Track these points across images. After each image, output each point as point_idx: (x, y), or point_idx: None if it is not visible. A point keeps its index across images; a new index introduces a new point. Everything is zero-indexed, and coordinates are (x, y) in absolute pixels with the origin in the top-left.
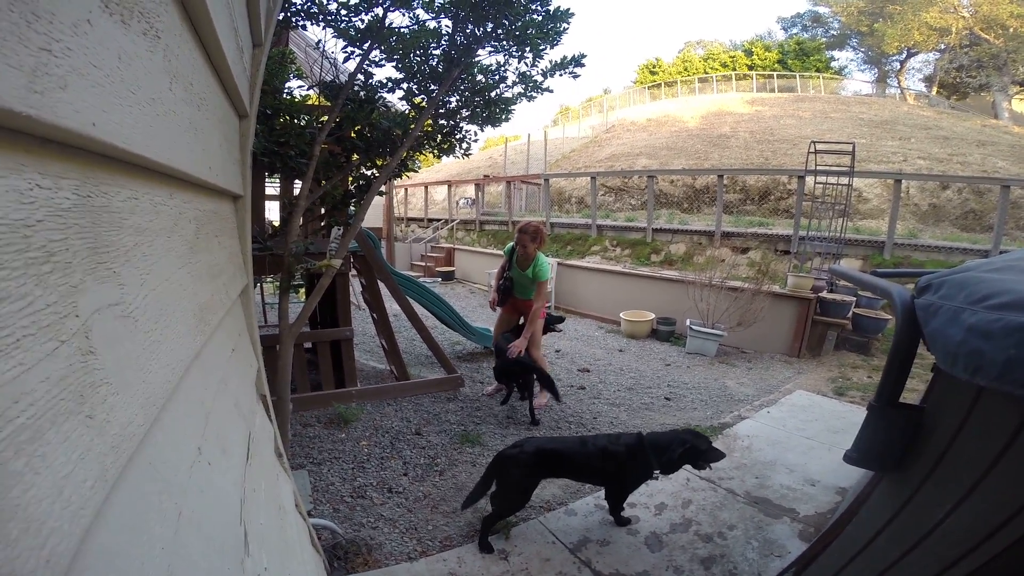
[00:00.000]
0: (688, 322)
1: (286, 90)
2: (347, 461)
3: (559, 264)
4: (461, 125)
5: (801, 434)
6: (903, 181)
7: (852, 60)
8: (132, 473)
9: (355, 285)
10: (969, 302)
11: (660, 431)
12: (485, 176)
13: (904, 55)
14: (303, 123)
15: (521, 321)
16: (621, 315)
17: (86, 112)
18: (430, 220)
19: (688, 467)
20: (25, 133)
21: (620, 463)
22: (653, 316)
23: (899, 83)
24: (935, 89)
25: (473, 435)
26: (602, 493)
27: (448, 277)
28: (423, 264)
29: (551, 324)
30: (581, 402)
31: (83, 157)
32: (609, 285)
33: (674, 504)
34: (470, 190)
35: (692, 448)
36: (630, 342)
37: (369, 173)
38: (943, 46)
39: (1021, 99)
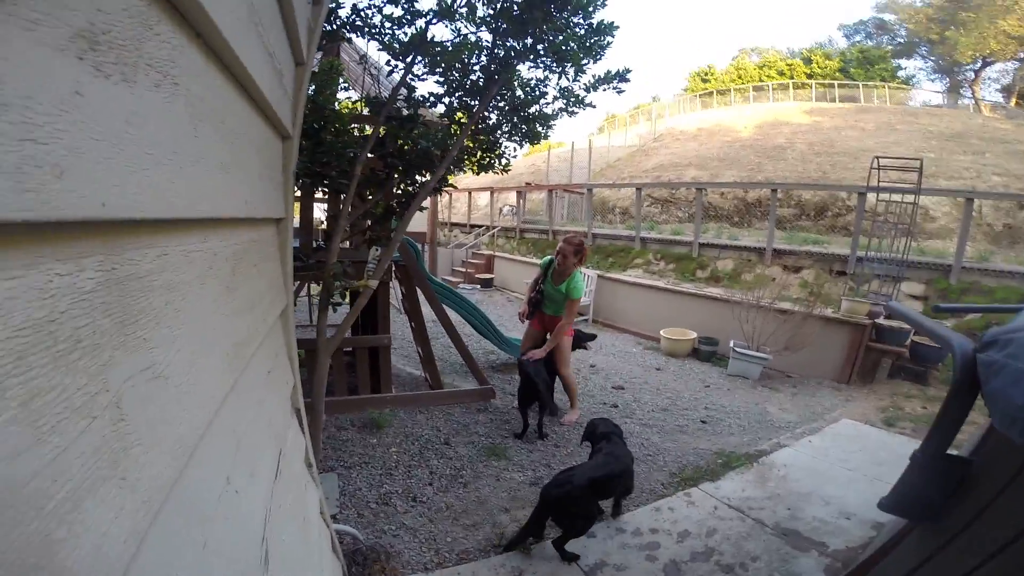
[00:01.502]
0: (732, 343)
1: (335, 103)
2: (376, 467)
3: (599, 277)
4: (500, 141)
5: (843, 465)
6: (975, 200)
7: (921, 69)
8: (162, 517)
9: (396, 288)
10: None
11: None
12: (527, 183)
13: (979, 64)
14: (348, 138)
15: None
16: (661, 332)
17: (93, 194)
18: (473, 226)
19: (717, 496)
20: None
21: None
22: (695, 335)
23: (973, 93)
24: (1014, 100)
25: (499, 449)
26: (624, 516)
27: (487, 284)
28: (463, 270)
29: (582, 341)
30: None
31: (104, 228)
32: (650, 300)
33: (698, 532)
34: (512, 197)
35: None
36: (669, 360)
37: (410, 189)
38: (1023, 55)
39: None
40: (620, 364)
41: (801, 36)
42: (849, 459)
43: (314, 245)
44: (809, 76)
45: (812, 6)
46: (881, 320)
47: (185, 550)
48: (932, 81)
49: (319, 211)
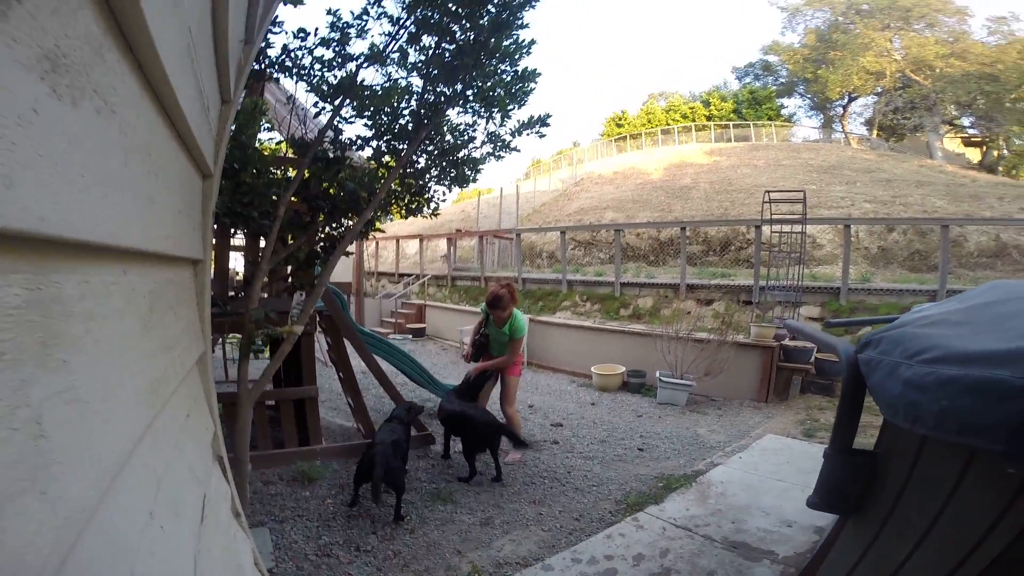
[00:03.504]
0: (658, 374)
1: (257, 142)
2: (311, 519)
3: (531, 320)
4: (429, 185)
5: (774, 477)
6: (852, 226)
7: (800, 107)
8: (86, 539)
9: (321, 342)
10: (904, 357)
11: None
12: (457, 230)
13: (846, 100)
14: (271, 179)
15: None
16: (592, 369)
17: (34, 208)
18: (401, 275)
19: (663, 517)
20: None
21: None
22: (623, 369)
23: (843, 127)
24: (875, 132)
25: (445, 493)
26: (578, 547)
27: (419, 334)
28: (393, 320)
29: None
30: (555, 456)
31: (34, 246)
32: (580, 340)
33: (651, 554)
34: (442, 244)
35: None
36: (602, 395)
37: (335, 233)
38: (880, 89)
39: (951, 137)
40: (556, 402)
41: (701, 79)
42: (778, 471)
43: (231, 294)
44: (708, 118)
45: (709, 50)
46: (787, 342)
47: (112, 574)
48: (809, 117)
49: (235, 261)
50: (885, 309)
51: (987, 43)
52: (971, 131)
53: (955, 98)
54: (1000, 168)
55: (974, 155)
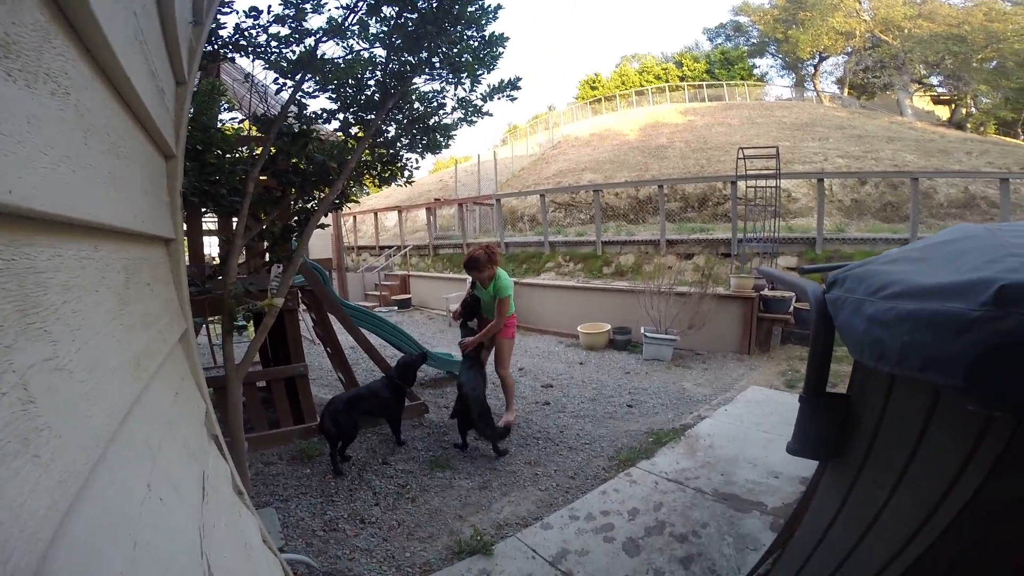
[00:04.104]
0: (643, 330)
1: (218, 123)
2: (315, 496)
3: (515, 284)
4: (401, 153)
5: (759, 428)
6: (825, 180)
7: (772, 67)
8: (84, 506)
9: (307, 320)
10: (867, 293)
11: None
12: (436, 199)
13: (817, 59)
14: (236, 157)
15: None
16: (579, 328)
17: (2, 180)
18: (382, 247)
19: (655, 472)
20: None
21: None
22: (609, 327)
23: (815, 86)
24: (846, 90)
25: (442, 460)
26: (574, 504)
27: (404, 305)
28: (378, 293)
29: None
30: (547, 417)
31: (4, 220)
32: (565, 300)
33: (646, 508)
34: (422, 214)
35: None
36: (590, 354)
37: (308, 206)
38: (850, 49)
39: (920, 96)
40: (545, 363)
41: (673, 41)
42: (763, 422)
43: (208, 275)
44: (682, 79)
45: (680, 12)
46: (766, 292)
47: (114, 543)
48: (781, 77)
49: (209, 247)
50: (860, 256)
51: (954, 4)
52: (940, 90)
53: (923, 58)
54: (968, 125)
55: (943, 112)
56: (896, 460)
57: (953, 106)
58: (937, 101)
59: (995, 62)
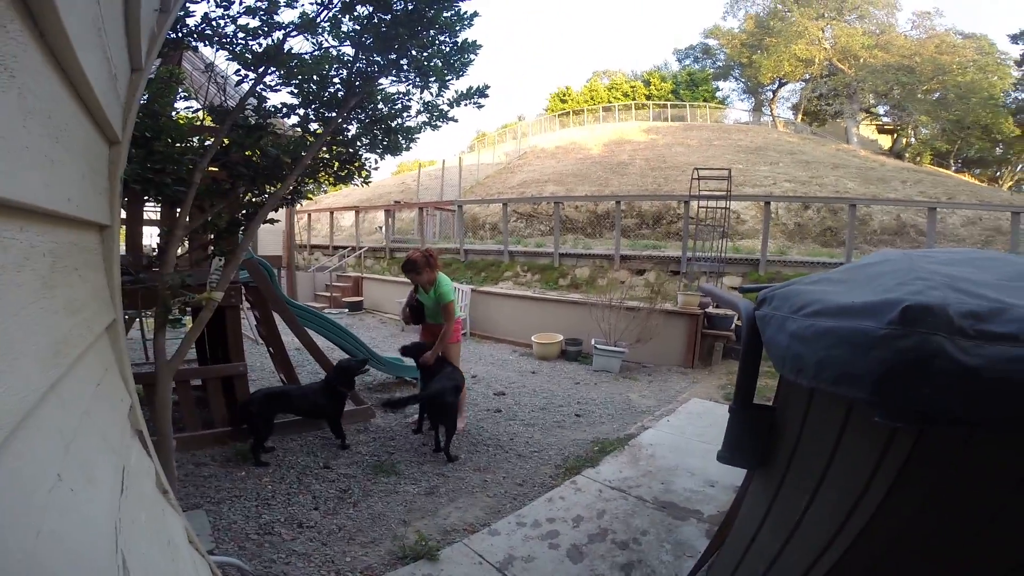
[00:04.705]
0: (593, 341)
1: (172, 111)
2: (250, 499)
3: (473, 291)
4: (360, 153)
5: (699, 439)
6: (772, 203)
7: (734, 90)
8: None
9: (250, 318)
10: (791, 311)
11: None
12: (396, 202)
13: (776, 85)
14: (187, 146)
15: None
16: (533, 338)
17: None
18: (336, 247)
19: (599, 480)
20: None
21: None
22: (562, 338)
23: (771, 111)
24: (800, 116)
25: (388, 465)
26: (522, 511)
27: (356, 307)
28: (328, 295)
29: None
30: (498, 424)
31: None
32: (521, 310)
33: (590, 515)
34: (380, 216)
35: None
36: (542, 364)
37: (258, 200)
38: (807, 76)
39: (867, 124)
40: (499, 372)
41: (644, 59)
42: (703, 433)
43: (144, 264)
44: (648, 97)
45: (655, 30)
46: (710, 309)
47: (14, 530)
48: (742, 100)
49: (150, 237)
50: (797, 278)
51: (910, 36)
52: (885, 119)
53: (874, 87)
54: (906, 155)
55: (886, 142)
56: (815, 468)
57: (895, 135)
58: (881, 130)
59: (938, 94)
